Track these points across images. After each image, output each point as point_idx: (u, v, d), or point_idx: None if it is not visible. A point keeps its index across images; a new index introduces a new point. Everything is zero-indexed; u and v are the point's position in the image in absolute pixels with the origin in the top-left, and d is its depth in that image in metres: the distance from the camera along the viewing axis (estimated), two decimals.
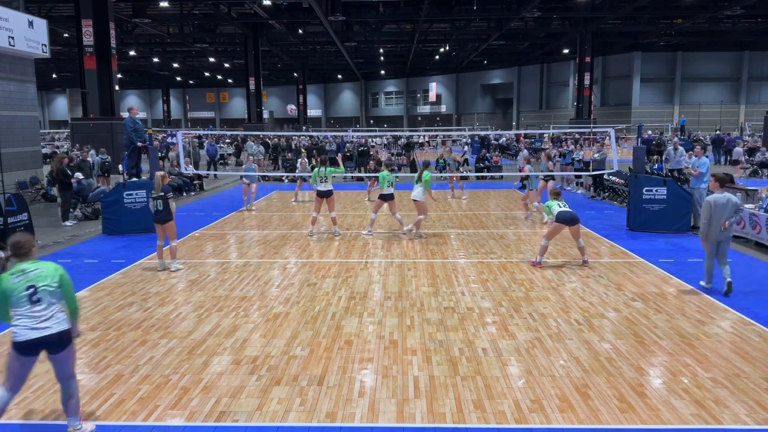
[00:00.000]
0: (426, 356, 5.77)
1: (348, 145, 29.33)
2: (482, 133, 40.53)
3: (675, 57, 53.98)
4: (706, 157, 12.20)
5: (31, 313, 4.17)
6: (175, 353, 5.91)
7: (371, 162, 19.13)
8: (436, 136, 45.95)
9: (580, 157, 19.12)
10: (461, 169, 21.72)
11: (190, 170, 18.26)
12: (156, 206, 8.91)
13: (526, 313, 7.02)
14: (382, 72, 71.20)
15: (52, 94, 78.19)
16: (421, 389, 5.07)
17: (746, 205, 10.86)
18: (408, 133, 42.27)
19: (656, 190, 11.77)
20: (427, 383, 5.19)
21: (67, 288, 4.39)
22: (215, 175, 23.72)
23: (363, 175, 21.28)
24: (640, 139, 25.11)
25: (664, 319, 6.81)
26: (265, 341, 6.21)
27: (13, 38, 15.94)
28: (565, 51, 51.48)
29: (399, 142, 34.16)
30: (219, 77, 69.82)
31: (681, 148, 16.15)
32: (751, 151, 26.16)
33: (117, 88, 23.59)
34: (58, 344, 4.23)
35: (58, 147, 34.58)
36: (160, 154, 19.83)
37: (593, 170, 16.87)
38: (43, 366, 4.91)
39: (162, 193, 8.85)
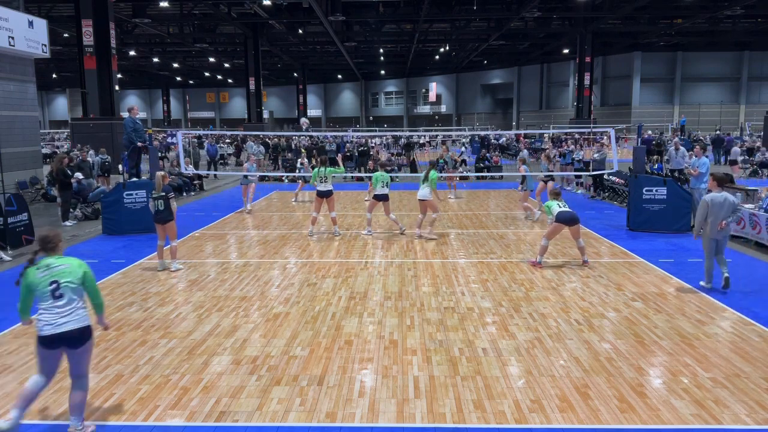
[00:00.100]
0: (426, 356, 5.77)
1: (348, 145, 29.34)
2: (482, 133, 40.54)
3: (675, 57, 53.98)
4: (706, 157, 12.22)
5: (54, 308, 4.25)
6: (175, 353, 5.92)
7: (371, 162, 19.14)
8: (437, 136, 45.96)
9: (580, 157, 19.11)
10: (460, 169, 21.71)
11: (190, 170, 18.25)
12: (157, 206, 8.92)
13: (526, 313, 7.02)
14: (382, 72, 71.18)
15: (52, 94, 78.19)
16: (421, 389, 5.07)
17: (746, 205, 10.86)
18: (408, 133, 42.26)
19: (656, 190, 11.78)
20: (427, 383, 5.19)
21: (90, 284, 4.46)
22: (215, 175, 23.73)
23: (363, 175, 21.27)
24: (640, 139, 25.14)
25: (664, 319, 6.81)
26: (265, 341, 6.21)
27: (13, 38, 15.96)
28: (565, 51, 51.48)
29: (399, 143, 34.16)
30: (219, 77, 69.82)
31: (682, 149, 16.17)
32: (750, 151, 26.17)
33: (117, 88, 23.61)
34: (79, 339, 4.32)
35: (58, 147, 34.61)
36: (160, 154, 19.83)
37: (593, 170, 16.86)
38: None
39: (163, 193, 8.87)
